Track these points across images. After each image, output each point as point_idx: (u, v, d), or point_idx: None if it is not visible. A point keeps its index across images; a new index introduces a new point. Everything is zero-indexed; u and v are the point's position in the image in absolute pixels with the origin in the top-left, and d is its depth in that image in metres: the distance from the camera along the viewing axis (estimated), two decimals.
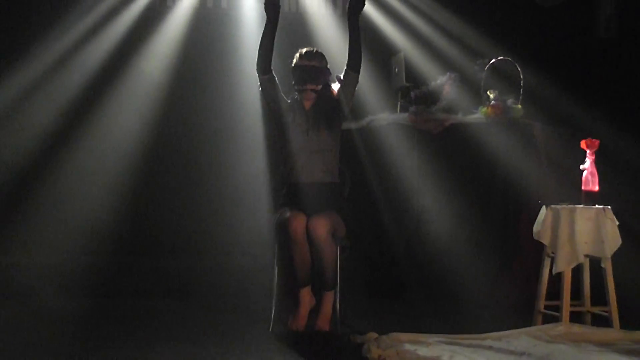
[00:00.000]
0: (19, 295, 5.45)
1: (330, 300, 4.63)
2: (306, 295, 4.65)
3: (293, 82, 4.85)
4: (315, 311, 4.65)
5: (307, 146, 4.77)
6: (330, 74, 4.88)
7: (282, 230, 4.62)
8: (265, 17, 4.78)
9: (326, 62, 4.87)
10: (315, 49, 4.91)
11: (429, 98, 5.96)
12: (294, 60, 4.85)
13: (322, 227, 4.54)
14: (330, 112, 4.79)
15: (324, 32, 6.71)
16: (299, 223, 4.57)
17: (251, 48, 6.54)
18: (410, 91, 6.04)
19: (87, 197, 6.38)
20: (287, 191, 4.83)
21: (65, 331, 4.61)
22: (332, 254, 4.59)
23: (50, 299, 5.42)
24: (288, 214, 4.62)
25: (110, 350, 4.15)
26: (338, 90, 4.86)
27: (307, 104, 4.83)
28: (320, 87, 4.82)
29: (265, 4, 4.77)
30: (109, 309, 5.25)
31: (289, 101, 4.88)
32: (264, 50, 4.76)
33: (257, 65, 4.78)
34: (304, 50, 4.88)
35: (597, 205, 4.71)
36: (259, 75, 4.79)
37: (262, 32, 4.78)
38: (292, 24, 6.77)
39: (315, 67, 4.80)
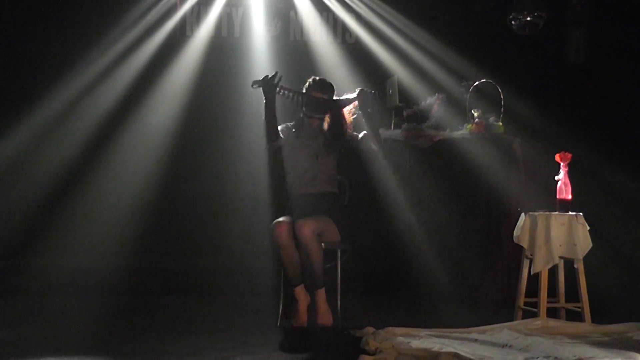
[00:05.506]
0: (56, 293, 5.45)
1: (323, 296, 4.48)
2: (300, 294, 4.53)
3: (302, 108, 4.74)
4: (311, 308, 4.54)
5: (316, 167, 4.71)
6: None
7: (271, 236, 4.57)
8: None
9: (334, 92, 4.77)
10: (328, 81, 4.78)
11: (420, 116, 5.97)
12: (306, 87, 4.72)
13: (306, 228, 4.42)
14: (342, 139, 4.73)
15: (326, 59, 6.70)
16: (282, 228, 4.49)
17: (259, 72, 6.58)
18: (402, 110, 6.03)
19: (117, 206, 6.35)
20: (293, 200, 4.77)
21: (97, 325, 4.62)
22: (318, 254, 4.44)
23: (83, 296, 5.41)
24: (274, 221, 4.56)
25: (136, 342, 4.14)
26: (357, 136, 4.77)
27: (313, 126, 4.76)
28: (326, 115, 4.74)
29: (259, 84, 4.54)
30: (134, 306, 5.24)
31: (292, 123, 4.80)
32: (270, 123, 4.58)
33: (267, 137, 4.64)
34: (318, 80, 4.74)
35: (570, 212, 4.71)
36: (269, 144, 4.68)
37: (263, 110, 4.57)
38: (296, 51, 6.77)
39: (326, 100, 4.71)
